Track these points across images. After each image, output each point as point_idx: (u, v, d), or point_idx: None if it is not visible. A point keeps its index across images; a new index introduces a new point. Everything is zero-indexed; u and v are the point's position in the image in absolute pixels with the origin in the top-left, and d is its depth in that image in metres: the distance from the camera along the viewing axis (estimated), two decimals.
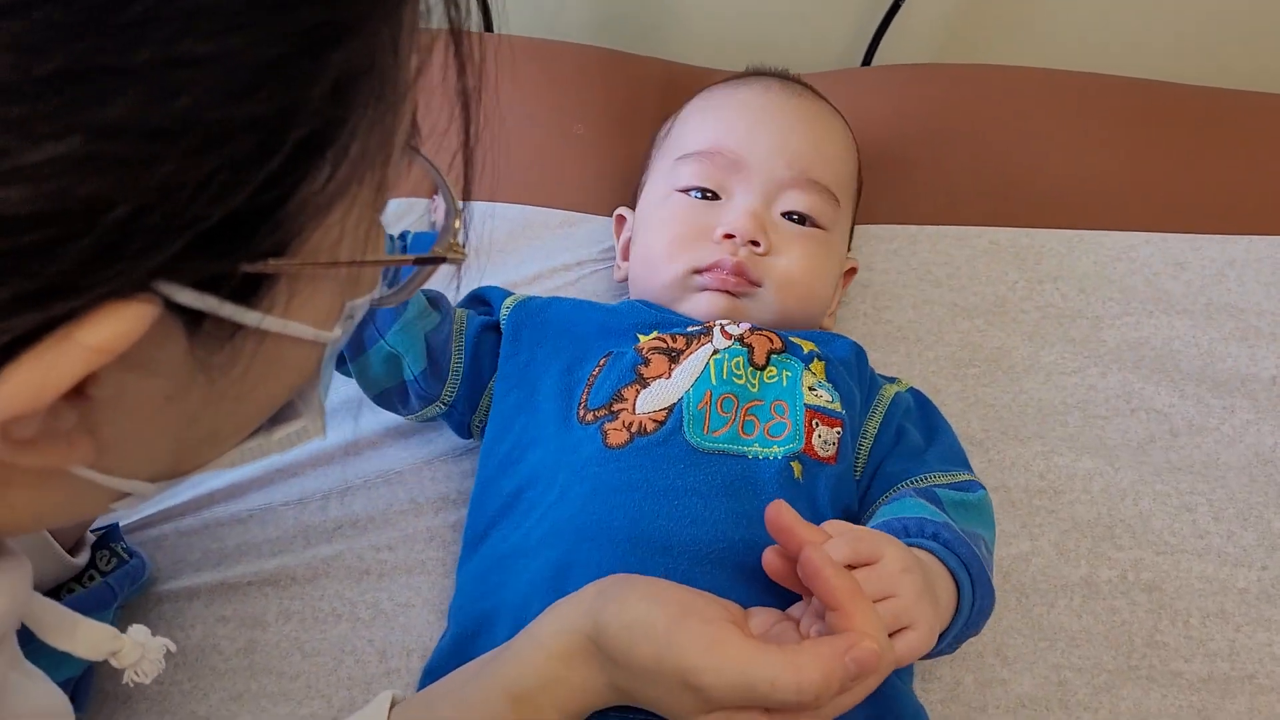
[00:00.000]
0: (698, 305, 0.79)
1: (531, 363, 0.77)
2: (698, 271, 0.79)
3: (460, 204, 0.44)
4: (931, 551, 0.64)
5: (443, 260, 0.44)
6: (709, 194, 0.82)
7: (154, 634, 0.73)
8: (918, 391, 0.82)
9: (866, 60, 1.22)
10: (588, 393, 0.73)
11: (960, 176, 1.04)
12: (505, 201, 0.98)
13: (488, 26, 1.19)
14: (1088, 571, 0.81)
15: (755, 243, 0.78)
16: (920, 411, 0.80)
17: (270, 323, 0.35)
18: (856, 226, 0.92)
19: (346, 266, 0.38)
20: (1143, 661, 0.77)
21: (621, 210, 0.92)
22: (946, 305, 0.95)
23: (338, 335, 0.41)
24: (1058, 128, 1.07)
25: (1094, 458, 0.86)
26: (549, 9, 1.21)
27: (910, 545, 0.63)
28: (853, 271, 0.90)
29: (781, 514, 0.57)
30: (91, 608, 0.69)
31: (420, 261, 0.45)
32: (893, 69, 1.15)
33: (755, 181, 0.81)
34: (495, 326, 0.80)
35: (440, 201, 0.45)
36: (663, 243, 0.81)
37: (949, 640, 0.64)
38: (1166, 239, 0.99)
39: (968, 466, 0.76)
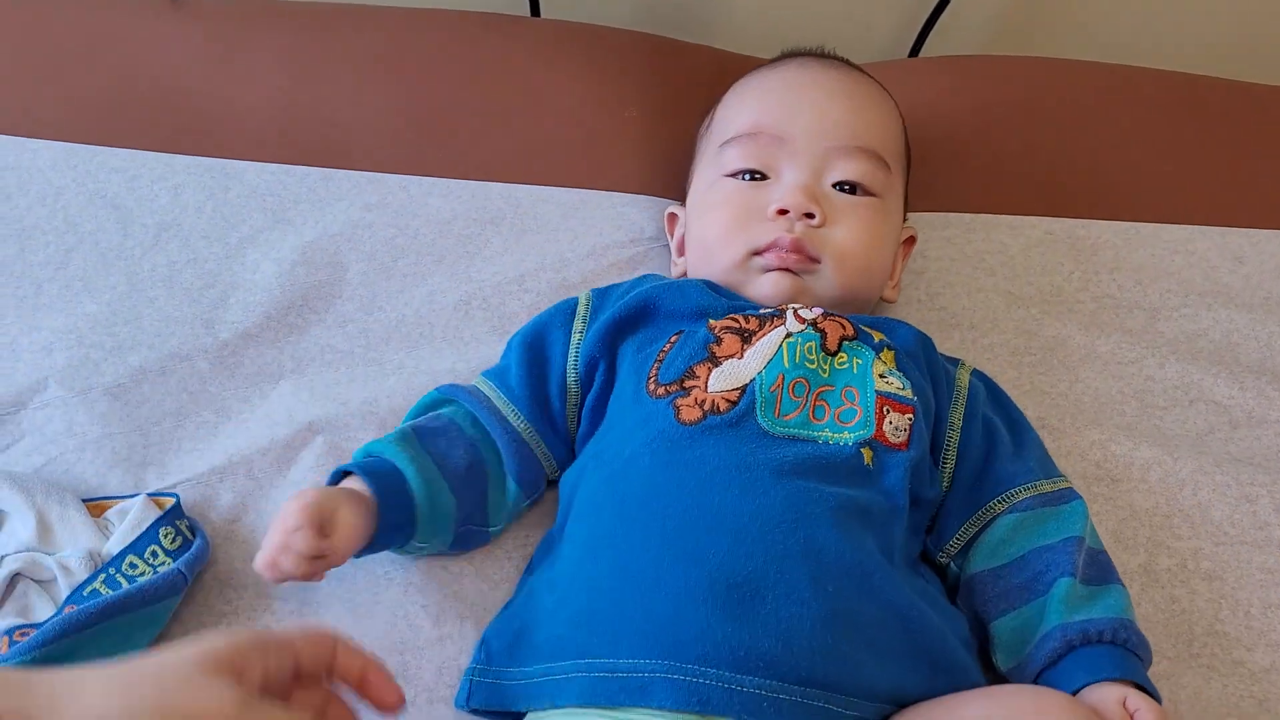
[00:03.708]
0: (763, 288, 0.78)
1: (613, 359, 0.77)
2: (757, 253, 0.78)
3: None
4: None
5: None
6: (757, 175, 0.81)
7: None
8: (981, 374, 0.81)
9: (914, 52, 1.22)
10: (657, 368, 0.72)
11: (1013, 167, 1.03)
12: (557, 185, 0.98)
13: (535, 11, 1.19)
14: (1146, 559, 0.79)
15: (810, 215, 0.78)
16: (993, 399, 0.79)
17: None
18: (910, 213, 0.92)
19: None
20: (1203, 650, 0.76)
21: (672, 208, 0.92)
22: (1002, 293, 0.94)
23: None
24: (1110, 121, 1.06)
25: (1152, 447, 0.85)
26: None
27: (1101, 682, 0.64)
28: (912, 240, 0.89)
29: None
30: (165, 594, 0.68)
31: None
32: (942, 60, 1.15)
33: (801, 155, 0.80)
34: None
35: None
36: (717, 228, 0.80)
37: None
38: (1225, 233, 0.99)
39: (1055, 468, 0.77)
